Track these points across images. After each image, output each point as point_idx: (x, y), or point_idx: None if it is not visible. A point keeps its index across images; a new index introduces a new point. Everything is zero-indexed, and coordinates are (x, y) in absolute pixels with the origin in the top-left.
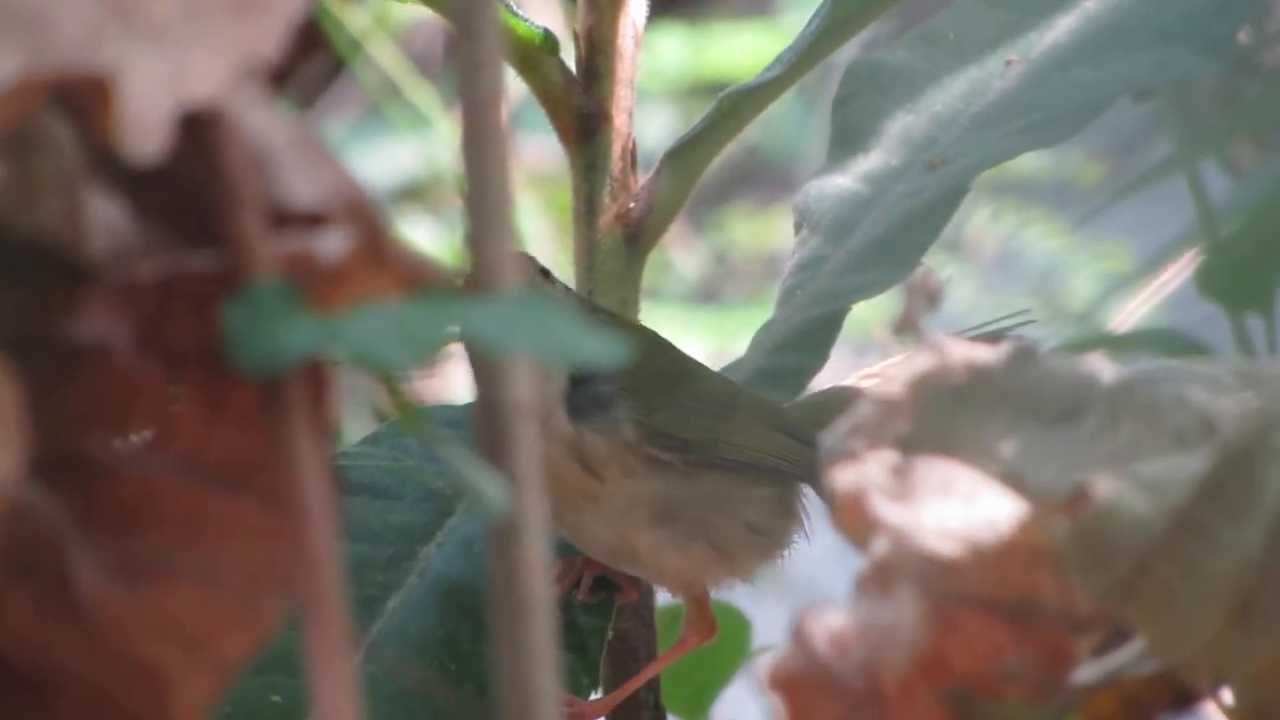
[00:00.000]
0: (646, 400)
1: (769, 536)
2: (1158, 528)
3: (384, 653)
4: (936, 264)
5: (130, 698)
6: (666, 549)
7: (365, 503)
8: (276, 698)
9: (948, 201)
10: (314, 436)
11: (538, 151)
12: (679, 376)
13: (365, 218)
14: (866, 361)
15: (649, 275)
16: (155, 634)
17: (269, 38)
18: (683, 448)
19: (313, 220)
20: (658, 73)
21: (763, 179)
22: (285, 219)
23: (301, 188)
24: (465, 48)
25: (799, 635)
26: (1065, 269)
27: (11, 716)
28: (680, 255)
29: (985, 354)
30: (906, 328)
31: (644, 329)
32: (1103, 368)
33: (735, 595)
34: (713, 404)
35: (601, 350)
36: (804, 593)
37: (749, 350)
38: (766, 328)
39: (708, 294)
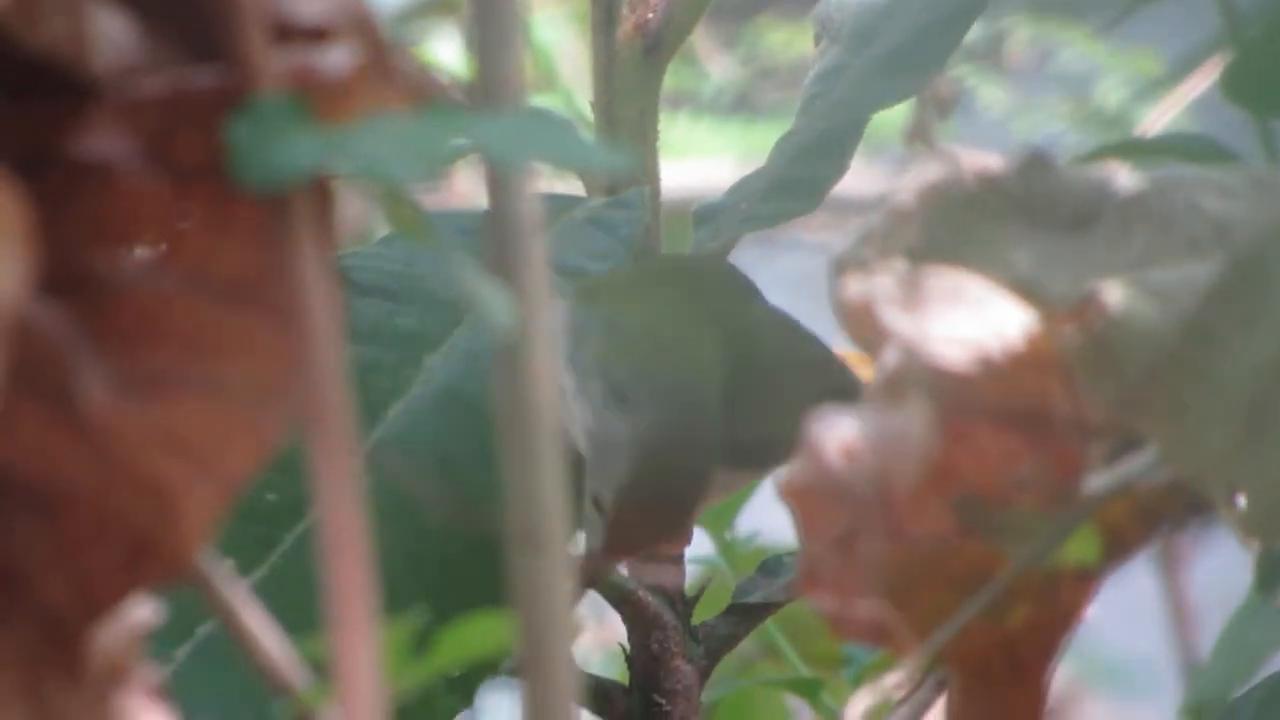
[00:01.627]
0: None
1: None
2: (1169, 336)
3: (383, 460)
4: (965, 73)
5: (138, 513)
6: None
7: (375, 305)
8: (272, 496)
9: (968, 11)
10: (319, 251)
11: None
12: None
13: (370, 32)
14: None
15: (678, 86)
16: (162, 449)
17: None
18: None
19: (317, 35)
20: None
21: None
22: (289, 34)
23: (305, 2)
24: None
25: (809, 445)
26: (1097, 75)
27: (20, 533)
28: (712, 65)
29: (997, 163)
30: (918, 136)
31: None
32: (1116, 175)
33: None
34: None
35: (610, 161)
36: None
37: (769, 160)
38: (786, 138)
39: (739, 104)
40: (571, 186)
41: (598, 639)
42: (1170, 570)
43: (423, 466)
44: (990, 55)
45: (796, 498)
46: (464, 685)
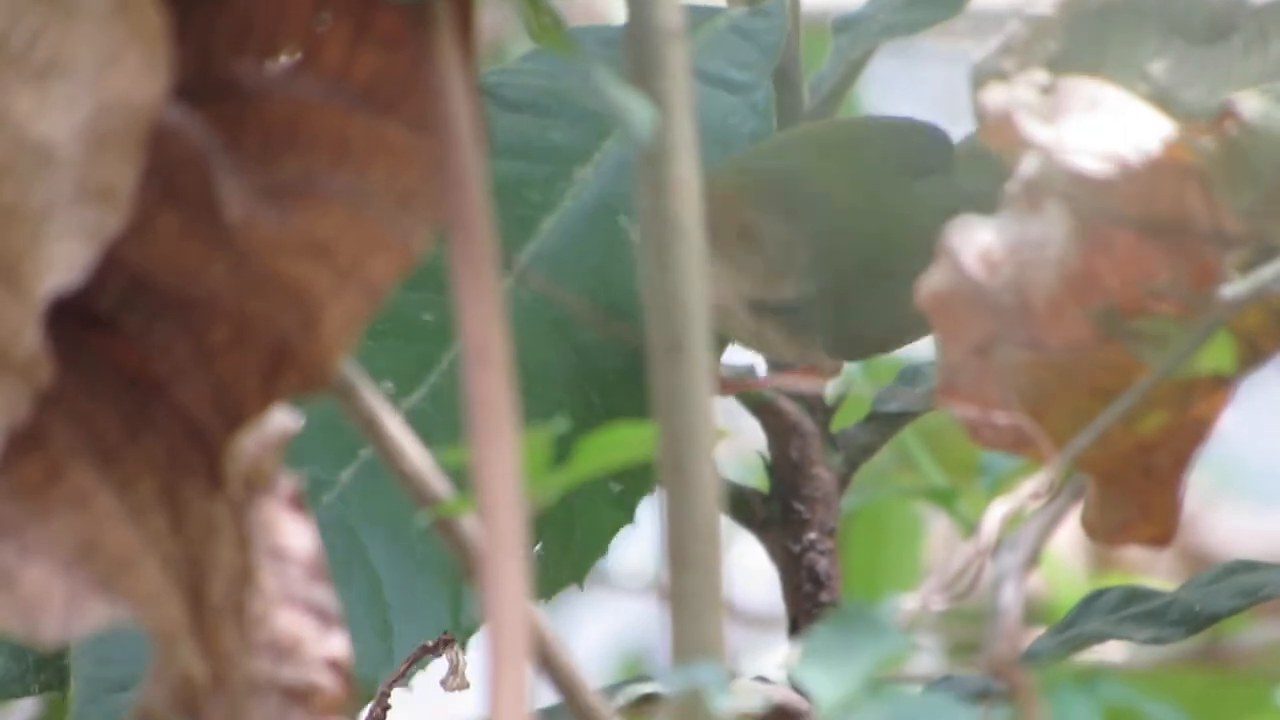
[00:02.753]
0: None
1: None
2: None
3: (535, 277)
4: None
5: (279, 321)
6: None
7: (523, 120)
8: (428, 316)
9: None
10: (460, 57)
11: None
12: None
13: None
14: None
15: None
16: (304, 256)
17: None
18: None
19: None
20: None
21: None
22: None
23: None
24: None
25: (948, 252)
26: None
27: (160, 340)
28: None
29: None
30: None
31: None
32: None
33: None
34: None
35: None
36: None
37: None
38: None
39: None
40: None
41: (736, 447)
42: None
43: (577, 281)
44: None
45: (936, 306)
46: (627, 501)
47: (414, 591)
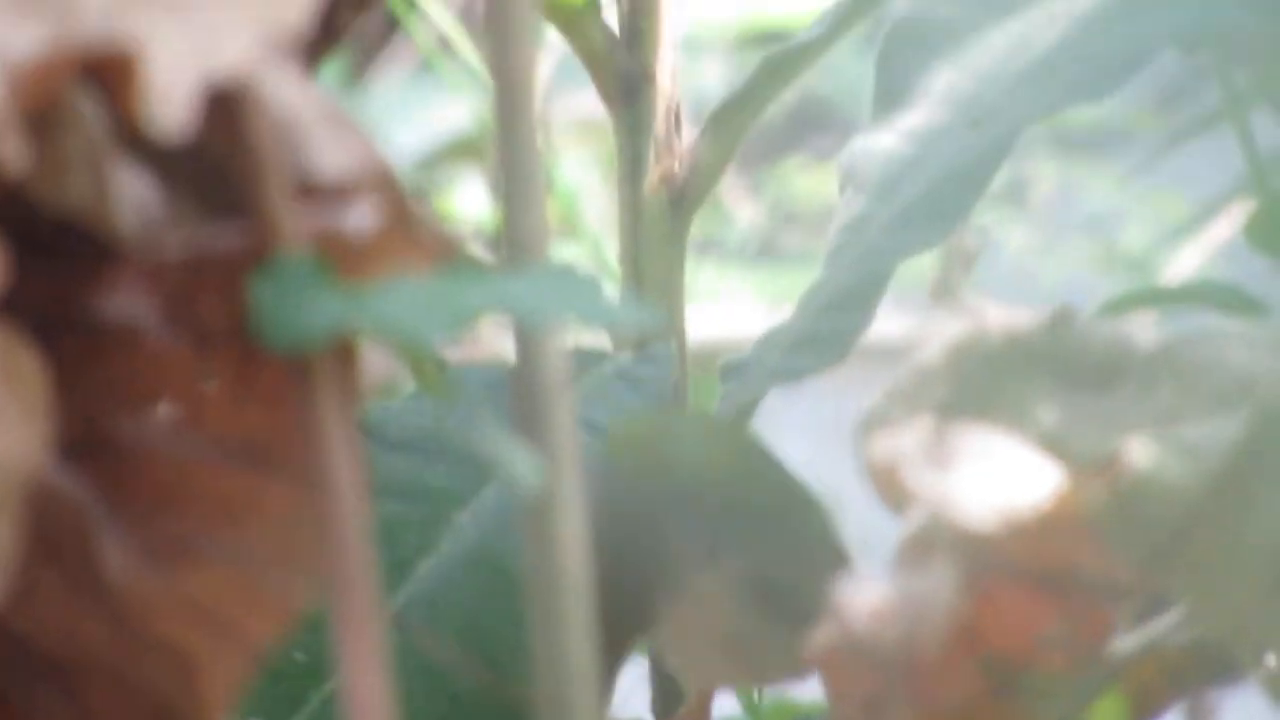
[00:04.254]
0: None
1: None
2: (1196, 493)
3: (410, 623)
4: (989, 216)
5: (159, 682)
6: None
7: (404, 460)
8: (300, 655)
9: (992, 158)
10: (342, 414)
11: (588, 104)
12: None
13: (392, 189)
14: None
15: (705, 231)
16: (184, 618)
17: (297, 6)
18: None
19: (339, 193)
20: (716, 24)
21: (831, 127)
22: (311, 192)
23: (329, 159)
24: (497, 17)
25: (837, 607)
26: (1120, 218)
27: (40, 703)
28: (739, 209)
29: (1022, 318)
30: (944, 291)
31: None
32: (1141, 330)
33: None
34: None
35: (637, 319)
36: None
37: (795, 313)
38: (812, 290)
39: (766, 249)
40: (598, 338)
41: None
42: None
43: (451, 628)
44: (1014, 196)
45: (824, 661)
46: None
47: None
